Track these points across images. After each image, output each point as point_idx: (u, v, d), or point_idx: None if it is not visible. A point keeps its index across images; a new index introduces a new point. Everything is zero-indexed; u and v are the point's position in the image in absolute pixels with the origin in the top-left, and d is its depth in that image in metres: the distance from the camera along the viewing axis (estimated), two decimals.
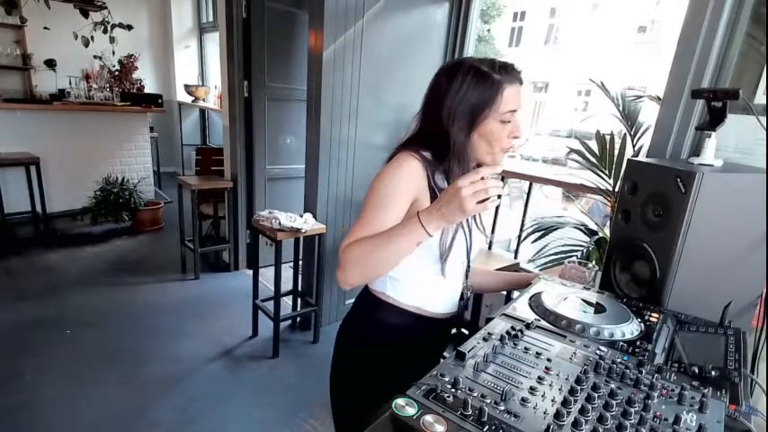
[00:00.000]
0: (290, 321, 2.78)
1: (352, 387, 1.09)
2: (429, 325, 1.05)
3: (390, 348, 1.03)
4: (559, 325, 0.86)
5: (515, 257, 2.56)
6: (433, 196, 0.93)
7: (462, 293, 1.10)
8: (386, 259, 0.85)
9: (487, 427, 0.57)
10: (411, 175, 0.92)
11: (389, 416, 0.59)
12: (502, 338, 0.79)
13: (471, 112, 0.91)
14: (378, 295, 1.04)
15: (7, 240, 3.61)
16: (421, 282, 1.02)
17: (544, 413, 0.60)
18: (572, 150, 2.10)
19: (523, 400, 0.63)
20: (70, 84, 4.51)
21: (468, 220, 1.02)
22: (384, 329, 1.03)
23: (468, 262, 1.07)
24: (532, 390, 0.65)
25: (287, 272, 2.83)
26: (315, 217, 2.46)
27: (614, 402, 0.62)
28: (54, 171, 4.02)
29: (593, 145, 1.98)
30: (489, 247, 2.68)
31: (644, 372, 0.71)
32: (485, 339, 0.79)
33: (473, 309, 2.19)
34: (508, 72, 0.92)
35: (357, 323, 1.09)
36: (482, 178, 0.77)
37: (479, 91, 0.90)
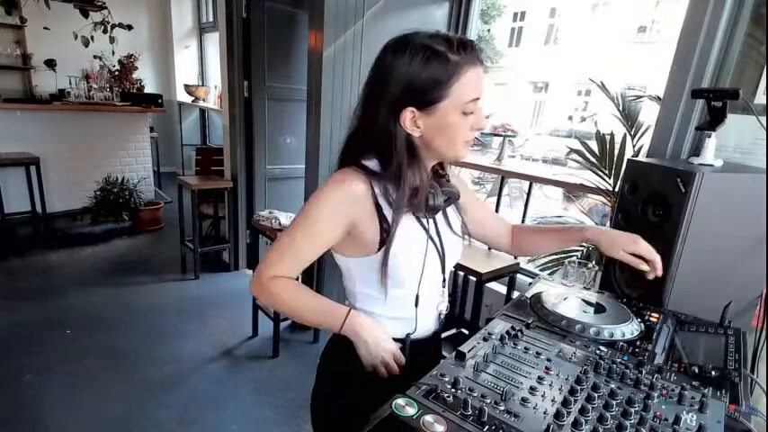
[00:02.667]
0: (290, 321, 2.78)
1: (334, 416, 0.96)
2: (413, 347, 0.91)
3: (371, 381, 0.86)
4: (559, 325, 0.86)
5: (515, 257, 2.56)
6: (380, 215, 0.81)
7: (439, 313, 0.97)
8: (300, 319, 0.91)
9: (487, 427, 0.57)
10: (348, 202, 0.80)
11: (389, 416, 0.59)
12: (502, 338, 0.79)
13: (421, 101, 0.76)
14: None
15: (7, 240, 3.61)
16: (392, 312, 0.89)
17: (544, 413, 0.60)
18: (572, 150, 2.10)
19: (523, 400, 0.63)
20: (70, 84, 4.51)
21: (437, 231, 0.89)
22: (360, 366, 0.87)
23: (444, 276, 0.93)
24: (532, 390, 0.65)
25: None
26: None
27: (614, 402, 0.62)
28: (54, 171, 4.01)
29: (594, 145, 1.98)
30: (489, 247, 2.68)
31: (644, 372, 0.71)
32: (485, 339, 0.79)
33: (473, 308, 2.18)
34: (467, 51, 0.75)
35: (333, 363, 0.97)
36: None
37: (431, 72, 0.74)
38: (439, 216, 0.90)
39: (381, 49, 0.80)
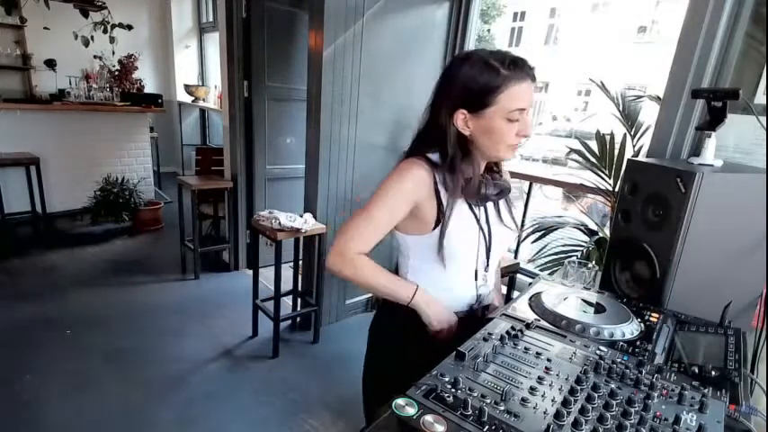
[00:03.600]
0: (290, 321, 2.78)
1: (384, 377, 1.08)
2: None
3: (414, 337, 1.02)
4: (559, 325, 0.86)
5: (515, 257, 2.56)
6: (438, 199, 0.94)
7: (478, 294, 1.07)
8: (374, 291, 1.04)
9: (487, 427, 0.57)
10: (413, 184, 0.93)
11: (389, 416, 0.59)
12: (502, 338, 0.79)
13: (472, 105, 0.89)
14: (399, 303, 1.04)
15: (7, 240, 3.61)
16: (435, 284, 1.01)
17: (544, 413, 0.60)
18: (572, 150, 2.10)
19: (523, 400, 0.63)
20: (70, 84, 4.51)
21: (486, 217, 1.01)
22: (407, 320, 1.02)
23: (488, 261, 1.04)
24: (532, 390, 0.65)
25: (287, 272, 2.82)
26: (315, 217, 2.46)
27: (614, 402, 0.62)
28: (54, 171, 4.01)
29: (594, 145, 1.98)
30: None
31: (644, 372, 0.71)
32: (485, 339, 0.79)
33: None
34: (518, 67, 0.88)
35: (380, 317, 1.13)
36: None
37: (483, 83, 0.87)
38: (490, 207, 1.03)
39: (451, 59, 0.95)
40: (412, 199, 0.94)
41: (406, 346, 1.03)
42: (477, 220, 0.99)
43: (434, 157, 0.96)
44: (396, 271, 1.09)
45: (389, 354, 1.09)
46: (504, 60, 0.87)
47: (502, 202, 1.05)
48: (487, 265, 1.05)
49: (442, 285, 1.02)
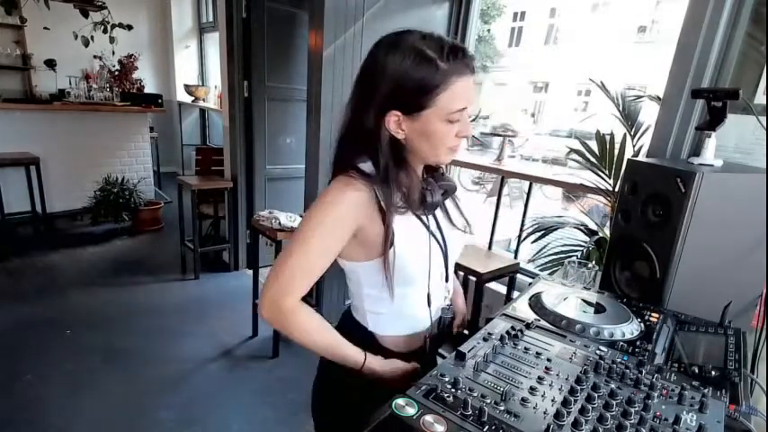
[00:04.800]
0: None
1: (336, 417, 0.96)
2: (414, 342, 0.93)
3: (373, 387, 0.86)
4: (559, 325, 0.86)
5: (515, 257, 2.56)
6: (383, 216, 0.79)
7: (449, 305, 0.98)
8: (311, 350, 0.82)
9: (487, 427, 0.57)
10: (348, 209, 0.78)
11: (389, 416, 0.59)
12: (502, 338, 0.79)
13: (406, 106, 0.76)
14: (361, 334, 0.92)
15: (7, 240, 3.61)
16: (400, 310, 0.89)
17: (544, 413, 0.60)
18: (572, 150, 2.10)
19: (523, 400, 0.63)
20: (70, 84, 4.51)
21: (437, 224, 0.89)
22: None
23: (447, 272, 0.94)
24: (532, 390, 0.65)
25: None
26: None
27: (614, 402, 0.62)
28: (54, 171, 4.01)
29: (594, 145, 1.98)
30: (489, 247, 2.68)
31: (644, 372, 0.71)
32: (485, 339, 0.79)
33: (473, 309, 2.18)
34: (458, 59, 0.74)
35: (334, 369, 0.89)
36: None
37: (418, 79, 0.73)
38: (438, 211, 0.91)
39: (374, 44, 0.79)
40: (350, 226, 0.79)
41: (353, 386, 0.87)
42: (429, 230, 0.86)
43: (366, 167, 0.81)
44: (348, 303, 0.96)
45: (337, 391, 0.94)
46: (441, 50, 0.73)
47: (449, 203, 0.94)
48: (447, 275, 0.94)
49: (407, 311, 0.90)
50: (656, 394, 0.65)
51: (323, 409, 0.99)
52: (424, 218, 0.86)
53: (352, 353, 0.84)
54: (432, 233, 0.87)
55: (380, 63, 0.76)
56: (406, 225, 0.83)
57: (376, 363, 0.85)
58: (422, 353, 0.94)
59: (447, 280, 0.95)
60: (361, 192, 0.78)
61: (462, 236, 0.96)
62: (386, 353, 0.89)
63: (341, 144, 0.85)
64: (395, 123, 0.78)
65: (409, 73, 0.73)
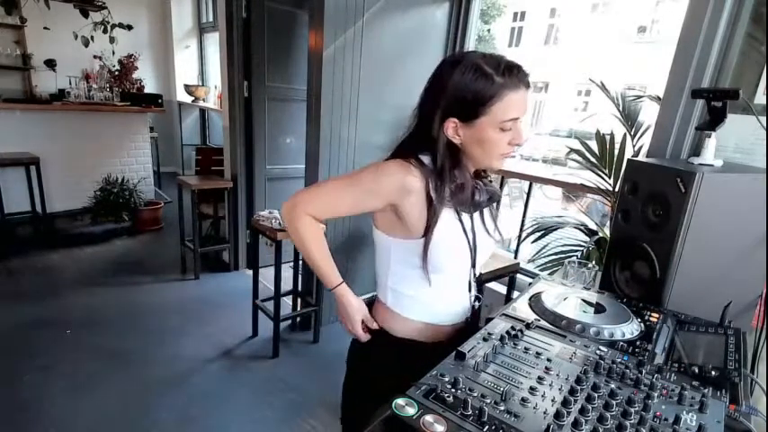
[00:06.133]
0: (290, 321, 2.78)
1: (365, 398, 1.03)
2: (436, 335, 1.01)
3: (398, 361, 0.97)
4: (559, 325, 0.86)
5: (515, 257, 2.56)
6: (430, 206, 0.89)
7: (472, 303, 1.06)
8: (304, 257, 1.01)
9: (487, 427, 0.57)
10: (389, 186, 0.88)
11: (390, 416, 0.59)
12: (502, 338, 0.79)
13: (464, 114, 0.85)
14: (382, 311, 1.03)
15: (7, 240, 3.60)
16: (420, 295, 0.98)
17: (544, 413, 0.60)
18: (572, 150, 2.10)
19: (523, 400, 0.63)
20: (70, 84, 4.50)
21: (472, 225, 0.97)
22: (391, 343, 1.00)
23: (474, 270, 1.02)
24: (532, 390, 0.65)
25: (287, 272, 2.82)
26: None
27: (614, 402, 0.62)
28: (54, 171, 4.01)
29: (594, 145, 1.98)
30: None
31: (644, 372, 0.71)
32: (485, 339, 0.79)
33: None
34: (513, 75, 0.83)
35: (359, 356, 1.07)
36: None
37: (475, 91, 0.83)
38: (475, 215, 0.98)
39: (440, 61, 0.90)
40: (384, 199, 0.89)
41: (376, 370, 1.01)
42: (463, 229, 0.94)
43: (426, 159, 0.91)
44: (374, 280, 1.06)
45: (362, 377, 1.06)
46: (498, 66, 0.83)
47: (486, 211, 1.01)
48: (475, 275, 1.02)
49: (428, 297, 0.98)
50: (656, 394, 0.65)
51: (350, 392, 1.10)
52: (462, 216, 0.94)
53: (332, 273, 0.99)
54: (465, 232, 0.94)
55: (444, 77, 0.86)
56: (445, 218, 0.91)
57: (348, 296, 1.00)
58: (441, 349, 0.98)
59: (470, 287, 1.03)
60: (413, 178, 0.88)
61: (492, 244, 1.04)
62: (405, 343, 0.99)
63: (405, 139, 0.95)
64: (452, 129, 0.87)
65: (468, 85, 0.83)
